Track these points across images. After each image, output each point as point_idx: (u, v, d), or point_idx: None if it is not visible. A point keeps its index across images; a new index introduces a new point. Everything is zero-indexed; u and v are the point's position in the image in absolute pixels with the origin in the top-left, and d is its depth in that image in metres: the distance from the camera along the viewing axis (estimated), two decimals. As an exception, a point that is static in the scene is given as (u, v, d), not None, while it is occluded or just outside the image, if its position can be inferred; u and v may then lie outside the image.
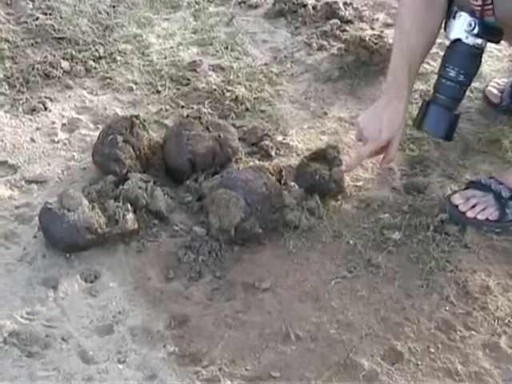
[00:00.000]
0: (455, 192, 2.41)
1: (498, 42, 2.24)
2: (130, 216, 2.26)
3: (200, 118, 2.50)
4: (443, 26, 2.26)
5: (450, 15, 2.25)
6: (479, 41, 2.20)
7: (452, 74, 2.24)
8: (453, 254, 2.25)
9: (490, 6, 2.15)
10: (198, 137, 2.43)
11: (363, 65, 2.87)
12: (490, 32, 2.18)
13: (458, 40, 2.21)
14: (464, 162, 2.57)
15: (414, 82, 2.35)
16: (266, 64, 2.92)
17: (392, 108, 2.29)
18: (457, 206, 2.35)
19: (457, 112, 2.31)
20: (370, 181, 2.49)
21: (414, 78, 2.34)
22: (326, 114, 2.75)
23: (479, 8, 2.17)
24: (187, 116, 2.53)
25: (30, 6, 3.09)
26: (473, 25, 2.19)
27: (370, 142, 2.29)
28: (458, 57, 2.23)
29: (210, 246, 2.24)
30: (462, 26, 2.21)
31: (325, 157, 2.44)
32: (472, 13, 2.19)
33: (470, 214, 2.33)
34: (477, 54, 2.22)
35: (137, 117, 2.48)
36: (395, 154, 2.37)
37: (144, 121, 2.49)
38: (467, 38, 2.20)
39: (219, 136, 2.45)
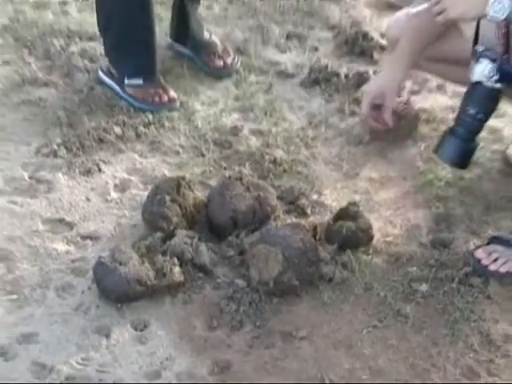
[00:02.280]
0: (478, 247, 2.42)
1: None
2: (177, 269, 2.29)
3: (241, 178, 2.53)
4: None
5: (474, 57, 2.31)
6: (497, 85, 2.25)
7: (471, 111, 2.29)
8: (476, 305, 2.26)
9: (506, 56, 2.21)
10: (239, 196, 2.46)
11: (392, 129, 2.87)
12: (508, 78, 2.23)
13: (478, 83, 2.27)
14: (486, 218, 2.58)
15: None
16: (302, 128, 2.95)
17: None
18: (480, 260, 2.37)
19: (474, 145, 2.33)
20: (398, 236, 2.51)
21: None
22: (357, 174, 2.77)
23: (501, 49, 2.25)
24: (229, 177, 2.54)
25: (86, 77, 3.13)
26: (493, 72, 2.25)
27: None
28: (477, 98, 2.29)
29: (250, 297, 2.26)
30: (482, 72, 2.27)
31: (348, 213, 2.47)
32: (493, 60, 2.25)
33: (492, 268, 2.35)
34: (495, 96, 2.28)
35: (183, 178, 2.52)
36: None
37: (189, 181, 2.52)
38: (487, 82, 2.26)
39: (259, 195, 2.48)
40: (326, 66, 3.20)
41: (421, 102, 3.03)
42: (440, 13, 2.30)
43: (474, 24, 2.39)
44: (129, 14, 2.92)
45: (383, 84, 2.67)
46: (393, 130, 2.89)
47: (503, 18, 2.17)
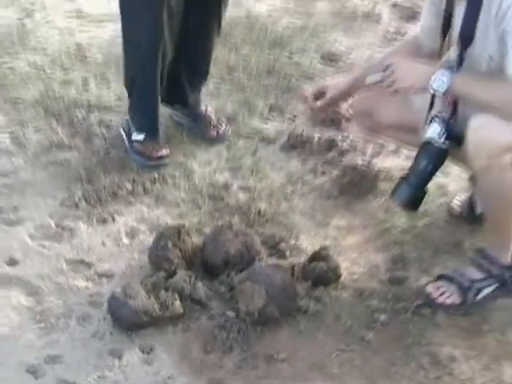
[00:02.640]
0: (428, 283, 2.45)
1: (459, 147, 2.28)
2: (177, 303, 2.31)
3: (231, 227, 2.55)
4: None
5: (427, 120, 2.35)
6: (445, 144, 2.28)
7: (422, 164, 2.30)
8: (427, 332, 2.29)
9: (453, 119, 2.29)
10: (229, 241, 2.48)
11: (356, 186, 2.91)
12: (454, 140, 2.27)
13: (429, 141, 2.30)
14: (435, 259, 2.60)
15: None
16: (282, 185, 2.97)
17: None
18: (429, 294, 2.40)
19: (423, 192, 2.34)
20: (362, 275, 2.54)
21: None
22: (328, 223, 2.79)
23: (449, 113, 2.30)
24: (221, 225, 2.57)
25: (103, 142, 3.16)
26: (442, 133, 2.28)
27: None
28: (428, 153, 2.30)
29: (239, 326, 2.28)
30: (433, 132, 2.30)
31: (320, 256, 2.50)
32: (443, 122, 2.29)
33: (439, 300, 2.38)
34: (443, 153, 2.29)
35: (183, 226, 2.54)
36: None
37: (188, 229, 2.54)
38: (436, 141, 2.28)
39: (246, 241, 2.50)
40: (302, 133, 3.22)
41: (380, 163, 3.05)
42: (390, 84, 2.33)
43: (423, 96, 2.45)
44: (147, 79, 2.98)
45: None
46: (357, 186, 2.92)
47: (443, 91, 2.23)
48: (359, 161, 3.03)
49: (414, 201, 2.36)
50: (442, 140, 2.29)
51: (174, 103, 3.22)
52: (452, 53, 2.36)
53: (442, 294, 2.40)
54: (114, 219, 2.74)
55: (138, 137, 3.05)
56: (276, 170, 3.07)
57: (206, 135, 3.19)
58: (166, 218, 2.77)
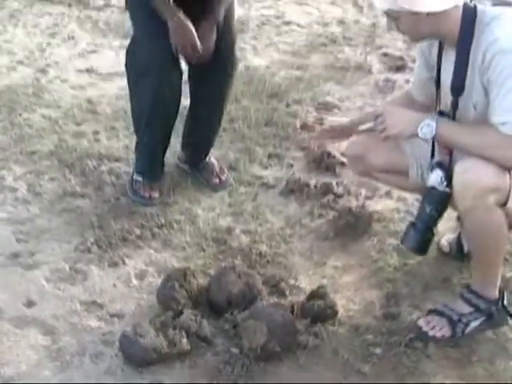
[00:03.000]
0: (420, 317, 2.51)
1: None
2: (184, 340, 2.36)
3: (234, 268, 2.61)
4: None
5: (429, 167, 2.44)
6: (448, 189, 2.34)
7: (427, 210, 2.37)
8: (419, 363, 2.34)
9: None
10: (232, 282, 2.54)
11: (351, 227, 2.97)
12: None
13: (433, 187, 2.37)
14: (426, 295, 2.65)
15: None
16: (281, 228, 3.03)
17: None
18: (421, 328, 2.45)
19: (430, 235, 2.42)
20: (357, 311, 2.59)
21: None
22: (325, 263, 2.84)
23: (447, 158, 2.38)
24: (225, 267, 2.63)
25: (113, 190, 3.24)
26: (443, 179, 2.36)
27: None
28: (432, 199, 2.37)
29: (242, 361, 2.33)
30: (435, 179, 2.37)
31: (318, 294, 2.55)
32: (444, 170, 2.36)
33: (431, 333, 2.43)
34: (446, 197, 2.36)
35: (188, 268, 2.61)
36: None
37: (193, 271, 2.61)
38: (439, 186, 2.35)
39: (248, 281, 2.55)
40: (299, 179, 3.29)
41: (373, 206, 3.13)
42: (382, 131, 2.41)
43: (413, 142, 2.53)
44: (149, 134, 3.09)
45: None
46: (352, 228, 2.99)
47: (430, 137, 2.31)
48: (353, 204, 3.11)
49: (423, 245, 2.44)
50: (445, 185, 2.36)
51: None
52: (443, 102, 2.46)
53: (433, 328, 2.45)
54: (124, 262, 2.81)
55: (137, 177, 3.18)
56: (275, 213, 3.14)
57: (210, 183, 3.27)
58: (173, 260, 2.83)
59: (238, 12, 4.80)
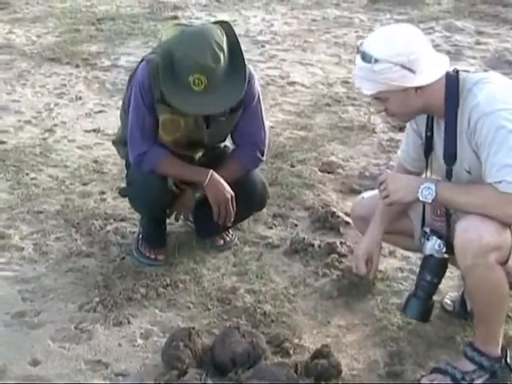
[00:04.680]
0: (423, 376, 2.56)
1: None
2: (189, 400, 2.43)
3: (238, 328, 2.66)
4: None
5: (424, 236, 2.53)
6: (446, 255, 2.46)
7: (428, 278, 2.49)
8: (422, 424, 2.38)
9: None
10: (237, 342, 2.59)
11: (355, 287, 3.05)
12: (451, 248, 2.43)
13: (430, 255, 2.48)
14: (429, 353, 2.71)
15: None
16: (285, 287, 3.10)
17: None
18: None
19: (431, 302, 2.51)
20: (362, 370, 2.64)
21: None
22: (329, 322, 2.90)
23: (444, 225, 2.46)
24: (229, 327, 2.69)
25: (119, 249, 3.33)
26: (441, 246, 2.48)
27: None
28: (431, 267, 2.49)
29: (247, 420, 2.38)
30: (433, 247, 2.49)
31: (321, 353, 2.60)
32: (440, 237, 2.48)
33: None
34: (445, 264, 2.49)
35: (193, 328, 2.67)
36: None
37: (198, 330, 2.67)
38: (437, 253, 2.47)
39: (252, 341, 2.61)
40: (304, 239, 3.37)
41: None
42: (385, 197, 2.52)
43: (416, 205, 2.63)
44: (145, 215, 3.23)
45: (369, 247, 2.77)
46: (356, 287, 3.06)
47: (431, 200, 2.41)
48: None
49: (425, 313, 2.55)
50: (443, 251, 2.48)
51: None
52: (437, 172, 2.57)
53: (437, 387, 2.50)
54: (129, 322, 2.87)
55: (142, 239, 3.29)
56: (280, 273, 3.21)
57: (215, 243, 3.35)
58: (178, 320, 2.90)
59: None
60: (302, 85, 5.34)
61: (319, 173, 4.06)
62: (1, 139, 4.35)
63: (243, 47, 2.95)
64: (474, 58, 5.91)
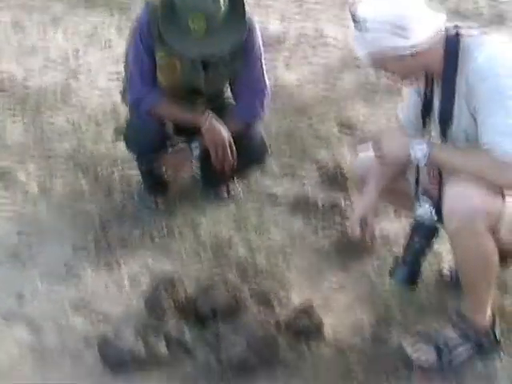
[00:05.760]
0: (407, 340, 2.49)
1: None
2: (163, 348, 2.42)
3: (225, 280, 2.66)
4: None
5: (416, 200, 2.43)
6: (435, 222, 2.36)
7: (417, 245, 2.38)
8: None
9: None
10: (220, 294, 2.58)
11: (353, 248, 2.94)
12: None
13: (420, 221, 2.38)
14: (418, 321, 2.62)
15: None
16: (282, 243, 3.04)
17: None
18: (407, 352, 2.44)
19: (419, 269, 2.41)
20: (346, 332, 2.59)
21: None
22: (321, 281, 2.85)
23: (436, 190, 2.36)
24: (215, 279, 2.68)
25: (122, 196, 3.31)
26: (432, 212, 2.36)
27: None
28: (420, 233, 2.39)
29: (220, 373, 2.36)
30: (424, 214, 2.38)
31: (305, 311, 2.57)
32: (431, 202, 2.37)
33: (414, 356, 2.43)
34: (434, 231, 2.38)
35: (178, 277, 2.65)
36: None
37: (182, 280, 2.65)
38: (427, 220, 2.37)
39: (235, 295, 2.59)
40: (308, 196, 3.31)
41: (379, 226, 3.05)
42: (379, 157, 2.42)
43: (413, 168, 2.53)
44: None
45: (364, 210, 2.66)
46: (355, 248, 2.96)
47: (424, 160, 2.30)
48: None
49: (411, 279, 2.45)
50: (432, 218, 2.37)
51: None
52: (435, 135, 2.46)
53: (417, 351, 2.43)
54: (119, 265, 2.86)
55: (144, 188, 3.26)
56: (279, 228, 3.15)
57: (219, 195, 3.31)
58: (168, 267, 2.87)
59: (277, 28, 4.95)
60: (335, 43, 5.18)
61: (337, 131, 3.93)
62: (24, 81, 4.32)
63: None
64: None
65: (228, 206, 3.29)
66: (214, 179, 3.25)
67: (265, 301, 2.69)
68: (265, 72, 3.07)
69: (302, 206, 3.27)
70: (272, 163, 3.57)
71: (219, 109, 3.09)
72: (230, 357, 2.36)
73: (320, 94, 4.37)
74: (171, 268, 2.88)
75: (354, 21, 2.28)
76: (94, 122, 3.93)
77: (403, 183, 2.68)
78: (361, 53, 2.32)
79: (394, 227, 3.15)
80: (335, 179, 3.45)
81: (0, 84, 4.18)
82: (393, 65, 2.31)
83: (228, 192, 3.32)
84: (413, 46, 2.24)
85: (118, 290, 2.75)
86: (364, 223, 2.63)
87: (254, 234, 3.09)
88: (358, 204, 2.68)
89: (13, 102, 4.00)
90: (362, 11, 2.27)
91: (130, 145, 3.11)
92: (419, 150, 2.30)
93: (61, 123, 3.91)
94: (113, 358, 2.36)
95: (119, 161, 3.56)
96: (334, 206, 3.26)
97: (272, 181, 3.48)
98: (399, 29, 2.22)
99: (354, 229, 2.62)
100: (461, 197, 2.22)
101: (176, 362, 2.42)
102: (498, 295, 2.57)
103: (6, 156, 3.52)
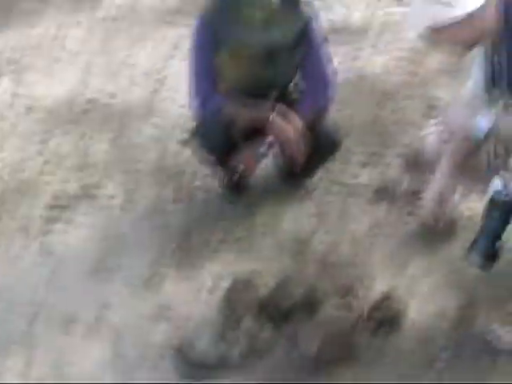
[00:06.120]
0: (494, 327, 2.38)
1: None
2: (244, 345, 2.43)
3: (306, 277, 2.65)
4: None
5: (490, 176, 2.34)
6: (509, 197, 2.26)
7: (493, 220, 2.30)
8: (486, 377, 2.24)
9: None
10: (298, 288, 2.58)
11: (437, 233, 2.84)
12: None
13: (493, 198, 2.30)
14: (509, 305, 2.51)
15: None
16: (364, 232, 2.99)
17: None
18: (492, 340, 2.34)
19: (498, 246, 2.31)
20: (430, 319, 2.52)
21: None
22: (404, 269, 2.77)
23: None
24: (292, 275, 2.69)
25: (203, 204, 3.32)
26: (504, 187, 2.28)
27: None
28: (496, 209, 2.29)
29: (299, 367, 2.34)
30: (496, 187, 2.30)
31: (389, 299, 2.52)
32: (503, 177, 2.29)
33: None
34: (510, 205, 2.27)
35: (257, 273, 2.70)
36: None
37: (262, 276, 2.69)
38: (499, 195, 2.28)
39: (315, 288, 2.57)
40: (391, 182, 3.24)
41: (464, 210, 2.96)
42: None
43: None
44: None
45: (439, 190, 2.58)
46: (439, 232, 2.85)
47: (485, 136, 2.19)
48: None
49: (490, 257, 2.35)
50: (504, 193, 2.28)
51: None
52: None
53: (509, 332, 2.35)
54: (202, 269, 2.87)
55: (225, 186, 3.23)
56: (361, 216, 3.09)
57: (300, 188, 3.26)
58: (250, 265, 2.85)
59: (363, 13, 4.86)
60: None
61: (422, 115, 3.81)
62: (109, 98, 4.41)
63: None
64: None
65: (310, 199, 3.24)
66: (293, 173, 3.22)
67: (346, 293, 2.64)
68: (328, 61, 3.03)
69: (384, 193, 3.20)
70: (356, 149, 3.50)
71: (294, 100, 3.05)
72: (307, 351, 2.32)
73: (406, 79, 4.25)
74: (253, 267, 2.85)
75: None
76: (177, 135, 3.95)
77: (477, 160, 2.57)
78: (412, 29, 2.24)
79: (479, 209, 3.00)
80: (418, 163, 3.33)
81: (87, 103, 4.28)
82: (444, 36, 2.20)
83: (307, 183, 3.27)
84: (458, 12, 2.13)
85: (198, 291, 2.76)
86: (441, 204, 2.53)
87: (335, 225, 3.05)
88: (433, 183, 2.58)
89: (98, 119, 4.09)
90: None
91: (201, 146, 3.12)
92: (483, 122, 2.19)
93: (144, 138, 3.95)
94: (195, 358, 2.38)
95: (200, 172, 3.52)
96: (416, 191, 3.13)
97: (356, 168, 3.41)
98: (443, 4, 2.13)
99: (428, 211, 2.53)
100: None
101: (256, 358, 2.40)
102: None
103: (92, 171, 3.58)
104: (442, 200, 2.54)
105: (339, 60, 4.03)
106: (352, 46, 4.53)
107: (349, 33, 4.65)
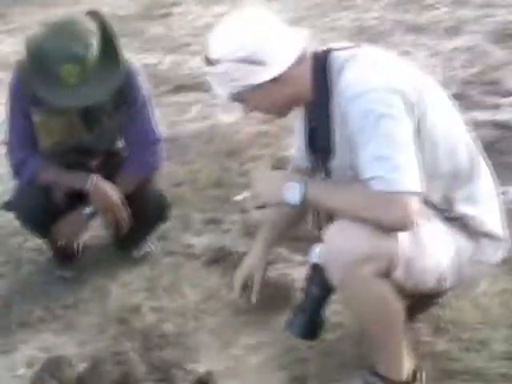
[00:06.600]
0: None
1: None
2: None
3: (118, 353, 2.43)
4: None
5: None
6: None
7: (315, 291, 2.13)
8: None
9: None
10: (108, 372, 2.34)
11: (271, 300, 2.69)
12: None
13: (316, 264, 2.10)
14: (336, 377, 2.37)
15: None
16: (195, 302, 2.80)
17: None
18: None
19: (320, 318, 2.16)
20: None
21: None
22: (234, 342, 2.60)
23: None
24: (102, 356, 2.45)
25: (30, 268, 3.11)
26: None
27: None
28: (318, 278, 2.11)
29: None
30: (316, 254, 2.12)
31: (203, 381, 2.34)
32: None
33: None
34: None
35: (64, 357, 2.44)
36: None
37: (70, 360, 2.43)
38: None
39: (127, 371, 2.35)
40: (225, 247, 3.09)
41: (296, 274, 2.83)
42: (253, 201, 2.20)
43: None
44: None
45: (250, 266, 2.45)
46: (272, 300, 2.72)
47: (298, 202, 2.06)
48: (275, 273, 2.83)
49: (311, 330, 2.19)
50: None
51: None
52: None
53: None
54: (16, 349, 2.63)
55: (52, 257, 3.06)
56: (194, 286, 2.91)
57: (132, 255, 3.09)
58: (69, 345, 2.64)
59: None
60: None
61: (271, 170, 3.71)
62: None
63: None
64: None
65: (142, 267, 3.07)
66: (123, 241, 3.03)
67: (166, 373, 2.44)
68: (154, 120, 2.85)
69: (218, 258, 3.04)
70: (195, 215, 3.37)
71: (117, 165, 2.88)
72: None
73: (253, 133, 4.18)
74: (73, 345, 2.65)
75: (205, 56, 2.07)
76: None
77: (302, 227, 2.45)
78: (218, 90, 2.10)
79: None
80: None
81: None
82: (255, 97, 2.09)
83: (142, 251, 3.08)
84: (271, 72, 2.01)
85: (11, 376, 2.52)
86: (250, 281, 2.40)
87: (164, 296, 2.86)
88: (245, 258, 2.45)
89: None
90: (209, 44, 2.06)
91: (19, 216, 2.89)
92: (293, 191, 2.05)
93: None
94: None
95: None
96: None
97: (193, 235, 3.27)
98: (251, 56, 2.00)
99: (235, 288, 2.39)
100: (340, 242, 1.97)
101: None
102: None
103: None
104: (251, 278, 2.40)
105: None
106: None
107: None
